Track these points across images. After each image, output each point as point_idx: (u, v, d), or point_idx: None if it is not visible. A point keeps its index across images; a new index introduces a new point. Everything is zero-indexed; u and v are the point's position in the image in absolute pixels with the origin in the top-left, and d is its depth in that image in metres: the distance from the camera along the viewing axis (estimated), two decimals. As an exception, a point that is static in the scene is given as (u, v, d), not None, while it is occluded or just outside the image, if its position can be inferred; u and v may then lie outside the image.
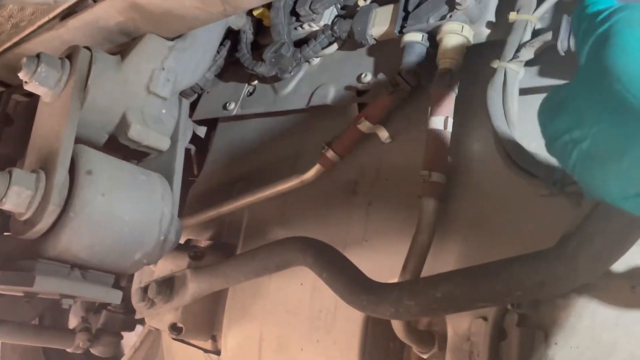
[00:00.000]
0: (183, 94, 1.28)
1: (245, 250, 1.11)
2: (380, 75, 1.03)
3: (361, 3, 1.18)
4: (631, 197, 0.40)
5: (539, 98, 0.90)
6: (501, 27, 0.96)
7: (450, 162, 0.95)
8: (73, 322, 2.21)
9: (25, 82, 1.01)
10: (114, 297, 1.04)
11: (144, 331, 1.74)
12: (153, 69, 1.10)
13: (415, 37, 1.02)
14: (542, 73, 0.90)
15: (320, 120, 1.23)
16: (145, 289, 1.17)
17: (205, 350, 1.26)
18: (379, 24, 1.11)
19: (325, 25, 1.22)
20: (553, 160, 0.82)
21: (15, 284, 0.95)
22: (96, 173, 0.97)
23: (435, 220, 0.90)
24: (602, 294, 0.74)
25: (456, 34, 0.96)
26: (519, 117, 0.88)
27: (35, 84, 1.01)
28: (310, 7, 1.20)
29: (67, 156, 0.95)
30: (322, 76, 1.22)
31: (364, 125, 1.06)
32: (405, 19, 1.04)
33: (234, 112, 1.35)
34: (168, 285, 1.16)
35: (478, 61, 0.97)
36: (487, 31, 0.99)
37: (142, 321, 1.82)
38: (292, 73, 1.25)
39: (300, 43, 1.24)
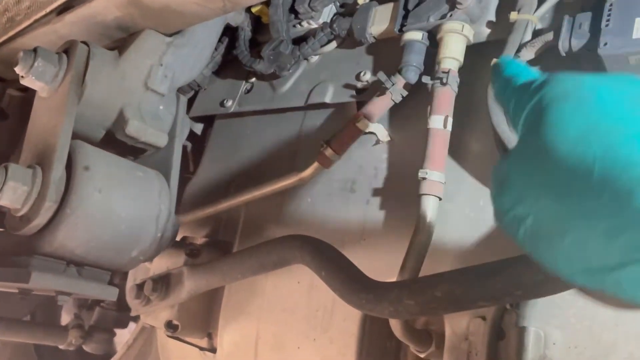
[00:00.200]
0: (180, 90, 1.27)
1: (242, 248, 1.11)
2: (380, 74, 1.02)
3: (360, 1, 1.18)
4: (579, 273, 0.39)
5: (539, 98, 0.91)
6: (501, 26, 0.96)
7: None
8: (65, 318, 2.19)
9: (22, 76, 1.00)
10: (110, 294, 1.04)
11: (137, 328, 1.73)
12: (151, 64, 1.10)
13: (415, 36, 1.01)
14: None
15: (318, 118, 1.22)
16: (140, 286, 1.16)
17: (201, 348, 1.25)
18: (379, 22, 1.11)
19: (324, 23, 1.22)
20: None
21: (10, 280, 0.94)
22: (93, 169, 0.96)
23: (435, 218, 0.90)
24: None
25: (457, 33, 0.96)
26: (519, 117, 0.88)
27: (32, 78, 1.00)
28: (309, 5, 1.20)
29: (64, 152, 0.95)
30: (320, 74, 1.22)
31: (363, 124, 1.06)
32: (405, 17, 1.04)
33: (231, 110, 1.35)
34: (164, 283, 1.15)
35: (478, 61, 0.97)
36: (488, 31, 0.99)
37: (135, 318, 1.81)
38: (290, 71, 1.25)
39: (299, 41, 1.23)
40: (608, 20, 0.77)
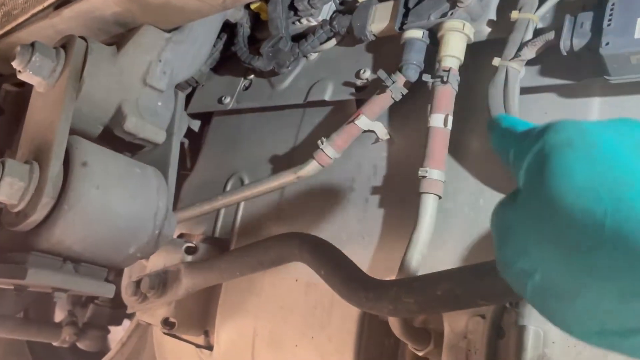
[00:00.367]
0: (178, 86, 1.27)
1: (240, 246, 1.11)
2: (380, 72, 1.02)
3: (360, -1, 1.18)
4: (593, 335, 0.36)
5: (540, 97, 0.91)
6: (502, 25, 0.96)
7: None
8: (59, 315, 2.18)
9: (19, 71, 0.99)
10: (107, 290, 1.03)
11: (131, 325, 1.72)
12: (150, 60, 1.09)
13: (415, 34, 1.01)
14: (543, 73, 0.90)
15: (317, 116, 1.22)
16: (137, 283, 1.16)
17: (198, 346, 1.25)
18: (379, 20, 1.10)
19: (323, 20, 1.21)
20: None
21: (6, 276, 0.93)
22: (91, 165, 0.95)
23: (434, 217, 0.90)
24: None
25: (457, 31, 0.96)
26: (520, 116, 0.88)
27: (29, 73, 0.99)
28: (308, 2, 1.20)
29: (61, 147, 0.94)
30: (320, 71, 1.22)
31: (362, 122, 1.06)
32: (405, 15, 1.03)
33: (230, 106, 1.34)
34: (161, 280, 1.14)
35: (479, 59, 0.97)
36: (488, 29, 0.99)
37: (129, 315, 1.81)
38: (289, 68, 1.25)
39: (298, 38, 1.23)
40: (610, 20, 0.77)
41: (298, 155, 1.21)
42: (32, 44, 0.99)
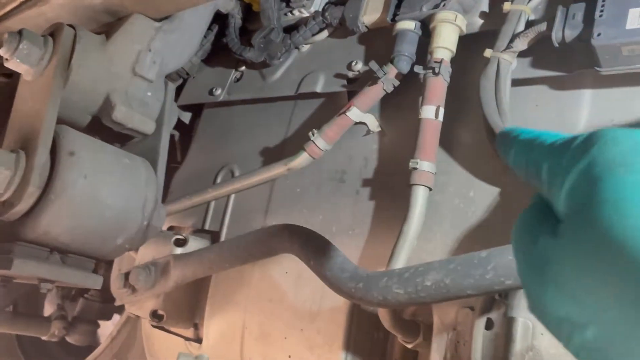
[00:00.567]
0: (169, 77, 1.26)
1: (230, 238, 1.10)
2: (372, 63, 1.01)
3: (353, -10, 1.17)
4: None
5: (532, 89, 0.91)
6: (494, 17, 0.96)
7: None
8: (48, 309, 2.16)
9: (6, 59, 0.98)
10: (94, 282, 1.02)
11: (121, 320, 1.71)
12: (139, 50, 1.08)
13: (408, 25, 1.01)
14: (534, 64, 0.90)
15: (308, 107, 1.21)
16: (126, 275, 1.15)
17: (187, 339, 1.24)
18: (371, 11, 1.10)
19: (315, 11, 1.21)
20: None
21: (-9, 266, 0.92)
22: (78, 155, 0.94)
23: (425, 209, 0.90)
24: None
25: (449, 22, 0.95)
26: (511, 108, 0.88)
27: (17, 61, 0.97)
28: (301, -7, 1.19)
29: (48, 136, 0.93)
30: (311, 63, 1.21)
31: (354, 114, 1.05)
32: (398, 6, 1.03)
33: (220, 98, 1.33)
34: (150, 272, 1.13)
35: (471, 51, 0.97)
36: (480, 21, 0.98)
37: (119, 310, 1.79)
38: (281, 59, 1.24)
39: (290, 29, 1.22)
40: (602, 11, 0.76)
41: (289, 147, 1.20)
42: (20, 32, 0.98)
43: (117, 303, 1.19)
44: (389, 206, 1.00)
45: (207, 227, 1.26)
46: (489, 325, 0.80)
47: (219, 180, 1.28)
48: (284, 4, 1.23)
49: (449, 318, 0.86)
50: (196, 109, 1.46)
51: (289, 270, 1.09)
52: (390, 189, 1.02)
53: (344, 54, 1.16)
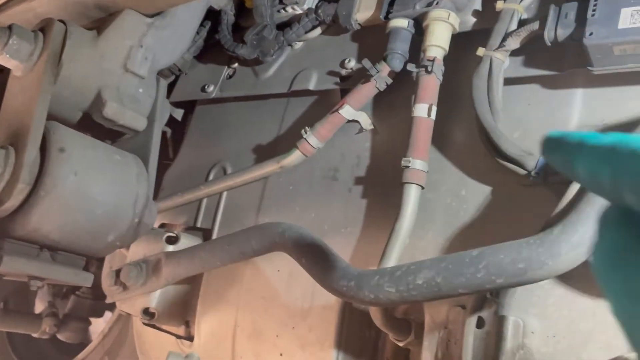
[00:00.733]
0: (161, 74, 1.25)
1: (222, 236, 1.09)
2: (365, 61, 1.01)
3: (346, -13, 1.16)
4: None
5: (524, 88, 0.91)
6: (487, 16, 0.96)
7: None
8: (39, 307, 2.15)
9: (-4, 54, 0.97)
10: (85, 279, 1.02)
11: (112, 317, 1.71)
12: (130, 46, 1.07)
13: (401, 23, 1.01)
14: (527, 63, 0.90)
15: (301, 105, 1.21)
16: (117, 273, 1.14)
17: (178, 336, 1.23)
18: (365, 9, 1.09)
19: (309, 8, 1.20)
20: (535, 150, 0.83)
21: (-20, 264, 0.91)
22: (69, 151, 0.93)
23: (417, 207, 0.90)
24: (580, 284, 0.74)
25: (442, 21, 0.95)
26: (503, 106, 0.88)
27: (6, 56, 0.97)
28: (294, -10, 1.18)
29: (38, 133, 0.92)
30: (304, 60, 1.20)
31: (346, 112, 1.05)
32: (391, 4, 1.03)
33: (213, 95, 1.32)
34: (141, 269, 1.13)
35: (463, 49, 0.97)
36: (473, 20, 0.98)
37: (111, 307, 1.78)
38: (273, 56, 1.23)
39: (283, 26, 1.22)
40: (594, 10, 0.77)
41: (282, 144, 1.19)
42: (10, 27, 0.97)
43: (108, 300, 1.18)
44: (381, 204, 1.00)
45: (199, 224, 1.26)
46: (480, 323, 0.80)
47: (211, 177, 1.27)
48: (277, 1, 1.23)
49: (441, 316, 0.86)
50: (188, 106, 1.46)
51: (281, 268, 1.09)
52: (382, 187, 1.02)
53: (337, 51, 1.16)
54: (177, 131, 1.52)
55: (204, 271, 1.15)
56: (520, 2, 0.91)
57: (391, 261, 0.87)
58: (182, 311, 1.21)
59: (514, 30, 0.88)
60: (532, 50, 0.89)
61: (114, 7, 1.06)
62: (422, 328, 0.89)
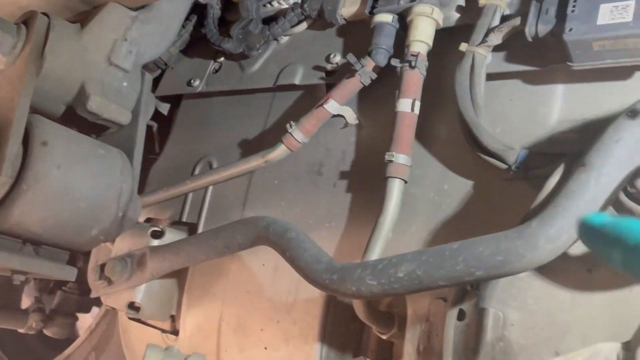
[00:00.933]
0: (146, 68, 1.24)
1: (207, 230, 1.09)
2: (349, 56, 1.02)
3: (332, -18, 1.16)
4: None
5: (505, 84, 0.92)
6: (470, 11, 0.96)
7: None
8: (26, 302, 2.14)
9: (-23, 46, 0.96)
10: (69, 274, 1.01)
11: (100, 312, 1.70)
12: (115, 39, 1.07)
13: (385, 18, 1.01)
14: (509, 59, 0.91)
15: (287, 100, 1.21)
16: (102, 267, 1.14)
17: (163, 331, 1.23)
18: (350, 4, 1.10)
19: (295, 3, 1.20)
20: (517, 145, 0.84)
21: (-38, 258, 0.91)
22: (52, 145, 0.93)
23: (400, 201, 0.91)
24: (559, 277, 0.75)
25: (426, 16, 0.96)
26: (486, 102, 0.89)
27: (-12, 49, 0.96)
28: (280, -16, 1.18)
29: (20, 126, 0.91)
30: (290, 55, 1.20)
31: (331, 106, 1.05)
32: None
33: (199, 89, 1.32)
34: (126, 264, 1.13)
35: (447, 45, 0.97)
36: (457, 15, 0.99)
37: (98, 303, 1.78)
38: (259, 51, 1.23)
39: (269, 20, 1.22)
40: (574, 6, 0.77)
41: (267, 139, 1.19)
42: (-9, 19, 0.96)
43: (93, 295, 1.18)
44: (366, 199, 1.01)
45: (184, 219, 1.26)
46: (460, 316, 0.81)
47: (196, 172, 1.27)
48: (263, -5, 1.23)
49: (423, 309, 0.87)
50: (175, 100, 1.45)
51: (266, 263, 1.09)
52: (367, 181, 1.02)
53: (322, 46, 1.16)
54: (163, 125, 1.52)
55: (189, 265, 1.15)
56: (503, -2, 0.91)
57: (374, 255, 0.87)
58: (167, 305, 1.21)
59: (497, 26, 0.89)
60: (514, 46, 0.90)
61: (98, 0, 1.06)
62: (405, 321, 0.89)
